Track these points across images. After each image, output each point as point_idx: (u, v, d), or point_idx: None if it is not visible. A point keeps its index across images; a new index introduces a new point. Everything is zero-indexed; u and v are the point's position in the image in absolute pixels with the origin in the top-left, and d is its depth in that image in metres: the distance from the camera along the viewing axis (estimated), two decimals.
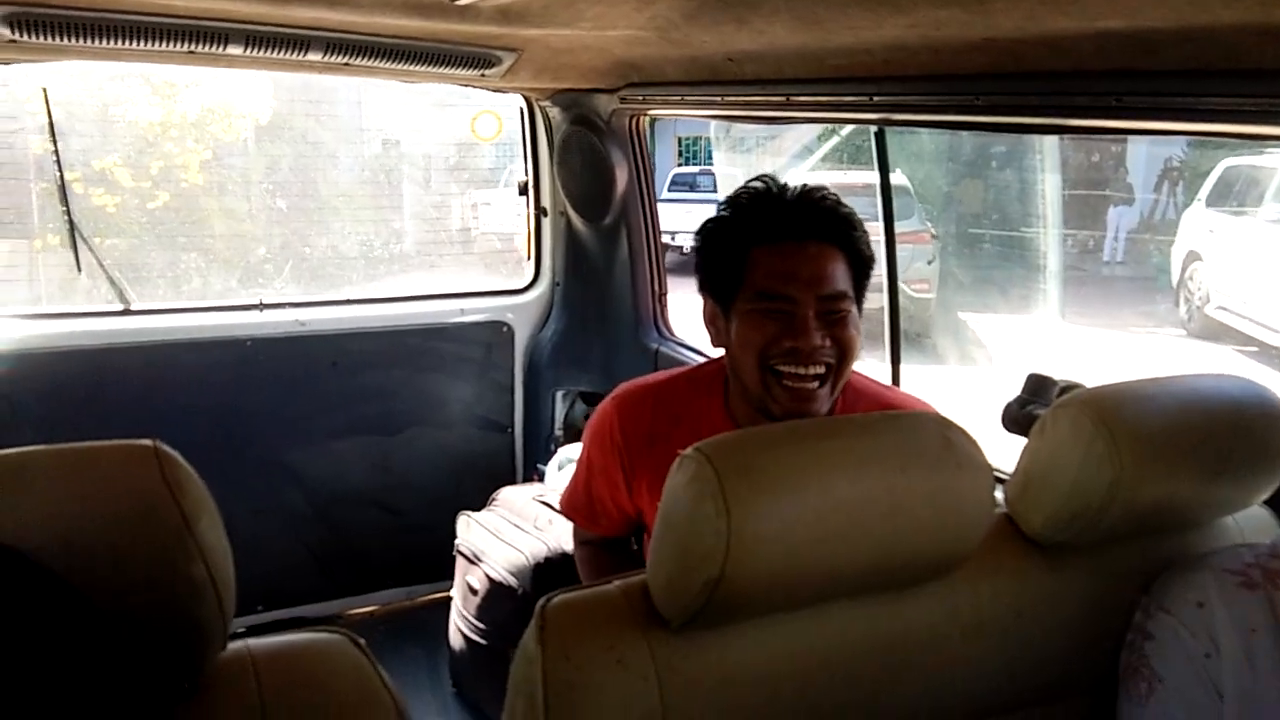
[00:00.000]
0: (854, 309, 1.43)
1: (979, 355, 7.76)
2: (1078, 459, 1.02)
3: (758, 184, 1.48)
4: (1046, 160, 8.40)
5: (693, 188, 12.84)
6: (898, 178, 8.16)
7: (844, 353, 1.41)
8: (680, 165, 14.71)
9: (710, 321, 1.52)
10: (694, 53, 2.20)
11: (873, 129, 2.04)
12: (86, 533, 0.68)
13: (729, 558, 0.79)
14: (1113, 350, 7.58)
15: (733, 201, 1.48)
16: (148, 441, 0.78)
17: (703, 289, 1.53)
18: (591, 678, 0.82)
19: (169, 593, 0.71)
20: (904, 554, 0.90)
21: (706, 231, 1.51)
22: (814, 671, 0.91)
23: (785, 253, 1.40)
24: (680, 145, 15.53)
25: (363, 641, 0.84)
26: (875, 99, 1.87)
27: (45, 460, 0.70)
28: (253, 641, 0.81)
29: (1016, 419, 1.73)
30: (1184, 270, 8.13)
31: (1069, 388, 1.74)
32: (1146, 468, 1.02)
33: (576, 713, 0.81)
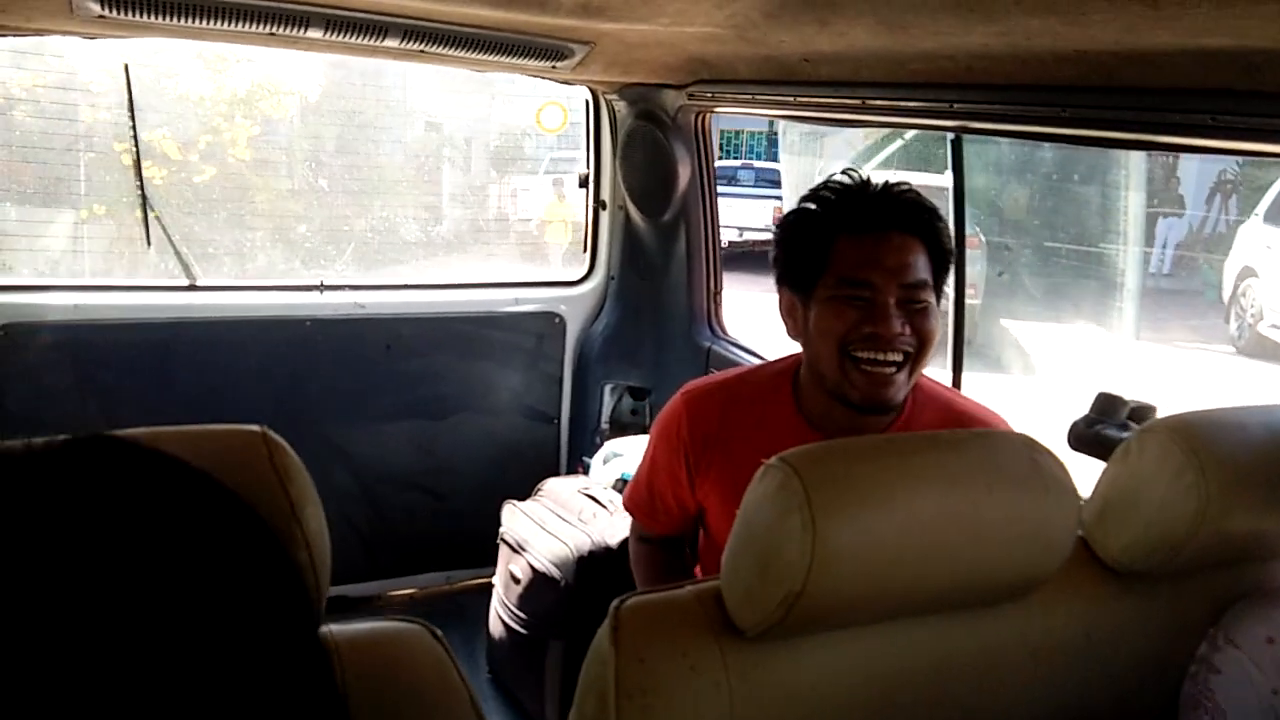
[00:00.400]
0: (933, 300, 1.46)
1: (1022, 363, 7.62)
2: (1163, 488, 0.99)
3: (843, 178, 1.51)
4: (1131, 177, 8.21)
5: (731, 181, 12.54)
6: (945, 179, 8.04)
7: (923, 342, 1.43)
8: (720, 159, 14.61)
9: (788, 313, 1.55)
10: (769, 52, 2.18)
11: (949, 136, 2.01)
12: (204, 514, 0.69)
13: (812, 572, 0.78)
14: (1160, 365, 7.42)
15: (817, 194, 1.51)
16: (256, 427, 0.78)
17: (781, 281, 1.56)
18: (663, 681, 0.82)
19: (276, 573, 0.72)
20: (984, 575, 0.88)
21: (789, 223, 1.54)
22: (884, 687, 0.90)
23: (869, 242, 1.43)
24: (721, 139, 15.57)
25: (440, 633, 0.83)
26: (955, 106, 1.84)
27: (168, 441, 0.71)
28: (335, 628, 0.81)
29: (1084, 438, 1.70)
30: (1237, 286, 7.93)
31: (1141, 408, 1.71)
32: (1234, 500, 0.99)
33: (647, 716, 0.80)
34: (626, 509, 1.89)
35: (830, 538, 0.79)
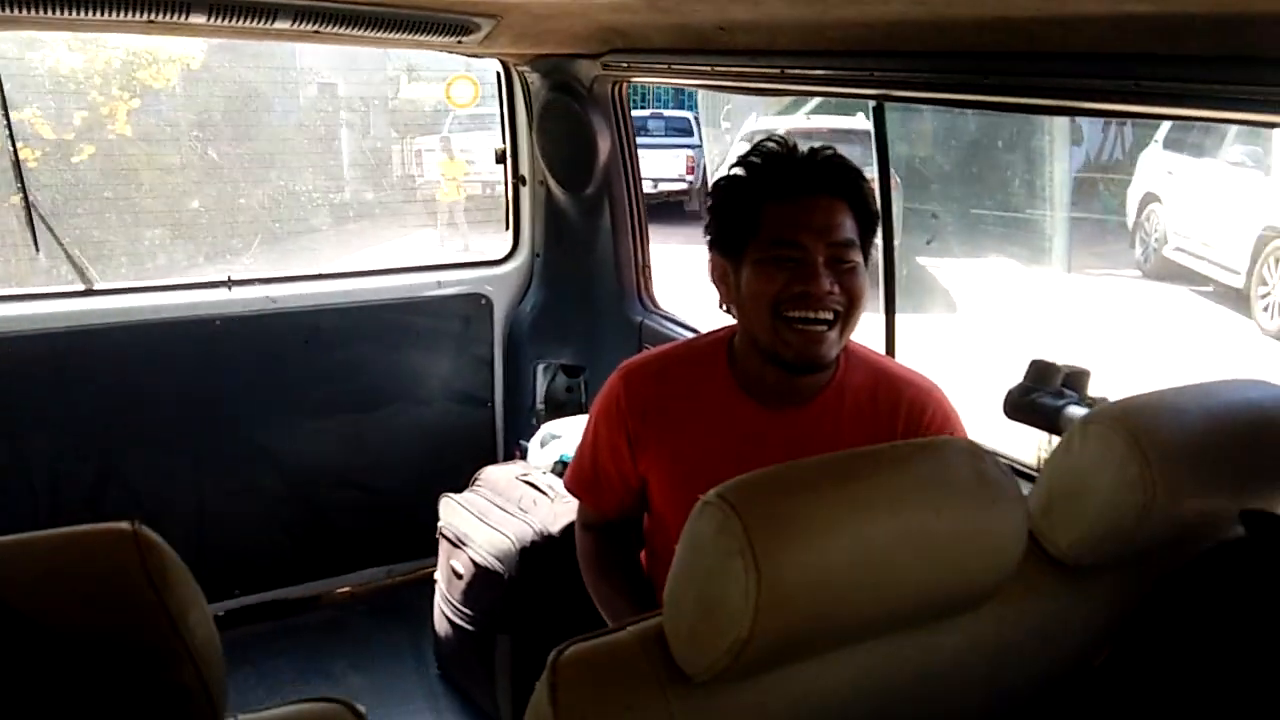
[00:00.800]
0: (861, 260, 1.49)
1: (944, 301, 7.73)
2: (1109, 481, 0.97)
3: (770, 144, 1.53)
4: (1056, 141, 8.34)
5: (642, 131, 12.57)
6: (857, 121, 8.06)
7: (852, 301, 1.47)
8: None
9: (720, 280, 1.56)
10: (684, 20, 2.10)
11: (871, 103, 1.96)
12: (61, 639, 0.61)
13: (759, 617, 0.73)
14: (1075, 293, 7.62)
15: (746, 160, 1.53)
16: (126, 525, 0.70)
17: (713, 246, 1.58)
18: None
19: (155, 702, 0.64)
20: (937, 592, 0.85)
21: (720, 189, 1.56)
22: (840, 713, 0.86)
23: (796, 205, 1.46)
24: (630, 87, 15.31)
25: (363, 709, 0.77)
26: (875, 74, 1.79)
27: (18, 556, 0.63)
28: (244, 718, 0.74)
29: (1020, 407, 1.69)
30: (1140, 212, 8.16)
31: (1075, 374, 1.70)
32: (1180, 485, 0.98)
33: None
34: (569, 490, 1.88)
35: (776, 580, 0.74)
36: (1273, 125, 1.36)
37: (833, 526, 0.78)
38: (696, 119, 12.36)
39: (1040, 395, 1.64)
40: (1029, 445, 1.78)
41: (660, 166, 10.90)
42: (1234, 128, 7.55)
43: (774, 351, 1.49)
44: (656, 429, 1.64)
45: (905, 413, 1.56)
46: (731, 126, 12.94)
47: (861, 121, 8.03)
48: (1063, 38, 1.38)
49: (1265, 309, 6.81)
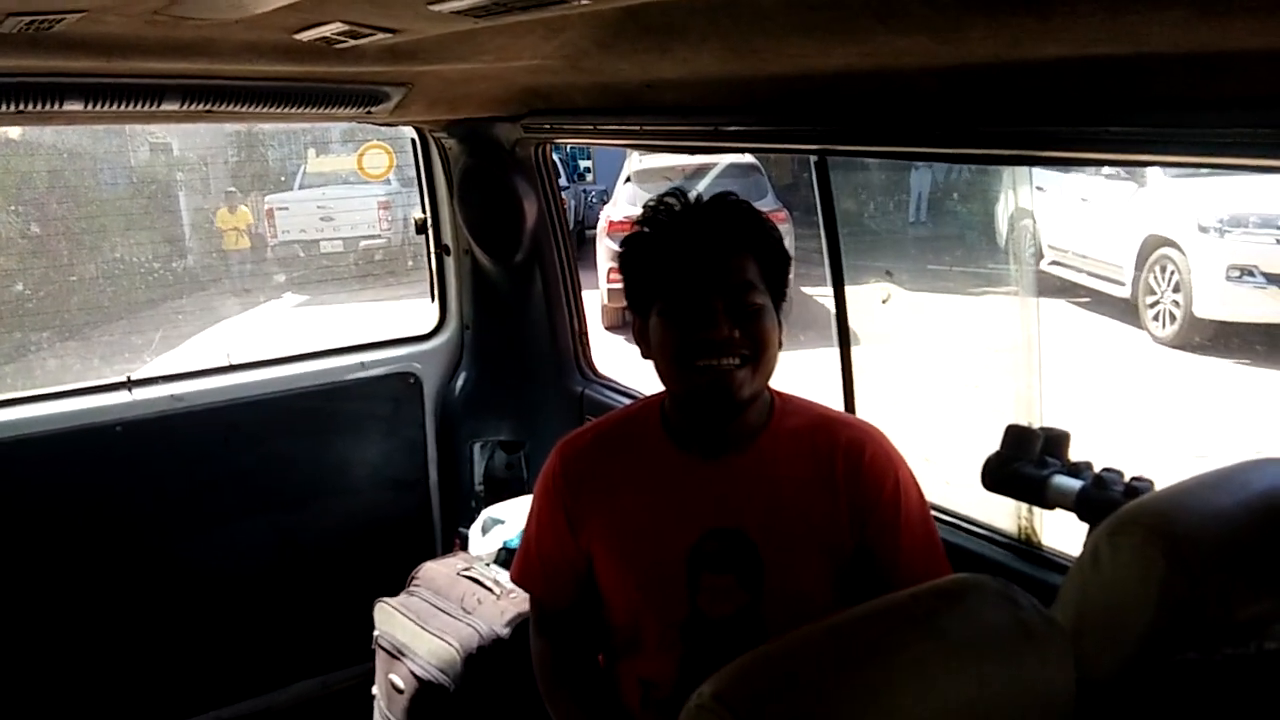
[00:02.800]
0: (768, 304, 1.47)
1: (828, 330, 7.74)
2: (1152, 600, 0.84)
3: (670, 199, 1.52)
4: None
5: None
6: (747, 155, 8.08)
7: (759, 344, 1.45)
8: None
9: (639, 337, 1.55)
10: (607, 80, 1.98)
11: (812, 158, 1.85)
12: None
13: None
14: (959, 314, 7.67)
15: (646, 217, 1.53)
16: None
17: (629, 306, 1.57)
18: None
19: None
20: None
21: (625, 249, 1.55)
22: None
23: (693, 255, 1.46)
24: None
25: None
26: (817, 128, 1.68)
27: None
28: None
29: (1000, 478, 1.56)
30: (1012, 230, 8.30)
31: (1054, 438, 1.59)
32: (1233, 594, 0.85)
33: None
34: (516, 583, 1.80)
35: None
36: (1238, 168, 1.27)
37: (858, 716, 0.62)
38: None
39: (1022, 465, 1.52)
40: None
41: (348, 218, 10.40)
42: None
43: (689, 400, 1.50)
44: (595, 498, 1.59)
45: (844, 454, 1.51)
46: (593, 165, 12.93)
47: (746, 156, 8.10)
48: (1026, 85, 1.28)
49: (1155, 317, 6.92)
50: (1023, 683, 0.69)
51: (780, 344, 1.48)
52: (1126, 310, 7.24)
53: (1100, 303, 7.50)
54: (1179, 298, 6.72)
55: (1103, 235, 7.44)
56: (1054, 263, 7.84)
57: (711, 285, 1.44)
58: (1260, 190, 6.54)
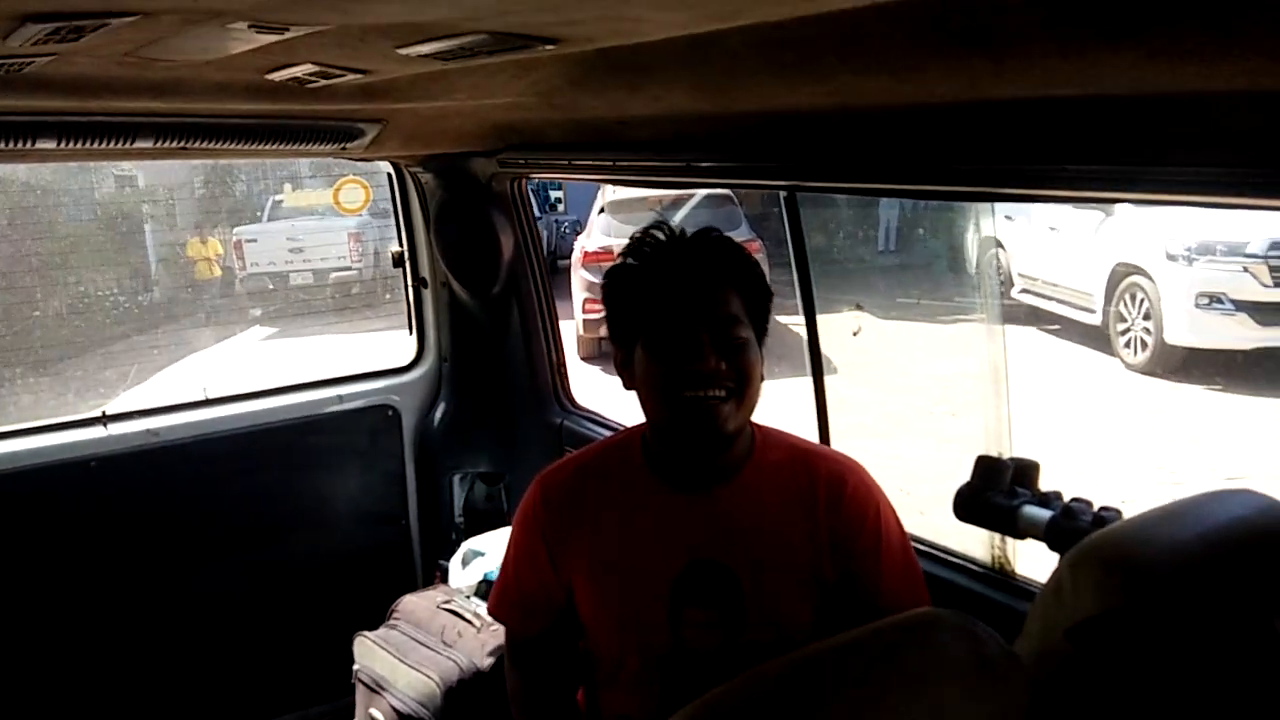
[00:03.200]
0: (751, 337, 1.48)
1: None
2: None
3: (656, 232, 1.52)
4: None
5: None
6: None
7: (744, 376, 1.45)
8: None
9: (621, 368, 1.55)
10: (580, 116, 2.00)
11: (782, 194, 1.88)
12: None
13: None
14: (929, 343, 7.73)
15: (632, 250, 1.53)
16: None
17: (611, 338, 1.57)
18: None
19: None
20: None
21: (609, 282, 1.55)
22: None
23: (681, 288, 1.47)
24: None
25: None
26: (787, 164, 1.71)
27: None
28: None
29: (972, 508, 1.57)
30: (981, 258, 8.35)
31: (1023, 467, 1.61)
32: (1189, 621, 0.86)
33: None
34: (493, 615, 1.79)
35: None
36: (1191, 204, 1.29)
37: None
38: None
39: (992, 495, 1.54)
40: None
41: (318, 250, 10.13)
42: None
43: (674, 432, 1.49)
44: (576, 530, 1.58)
45: (825, 486, 1.51)
46: (564, 195, 12.88)
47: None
48: (987, 124, 1.31)
49: (1127, 344, 6.97)
50: (978, 714, 0.70)
51: (762, 377, 1.48)
52: (1097, 337, 7.30)
53: (1070, 330, 7.57)
54: (1150, 325, 6.78)
55: (1072, 263, 7.51)
56: (1024, 290, 7.90)
57: (698, 318, 1.44)
58: (1225, 218, 6.60)
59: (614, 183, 2.58)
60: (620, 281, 1.54)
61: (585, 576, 1.58)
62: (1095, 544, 0.92)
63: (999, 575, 1.73)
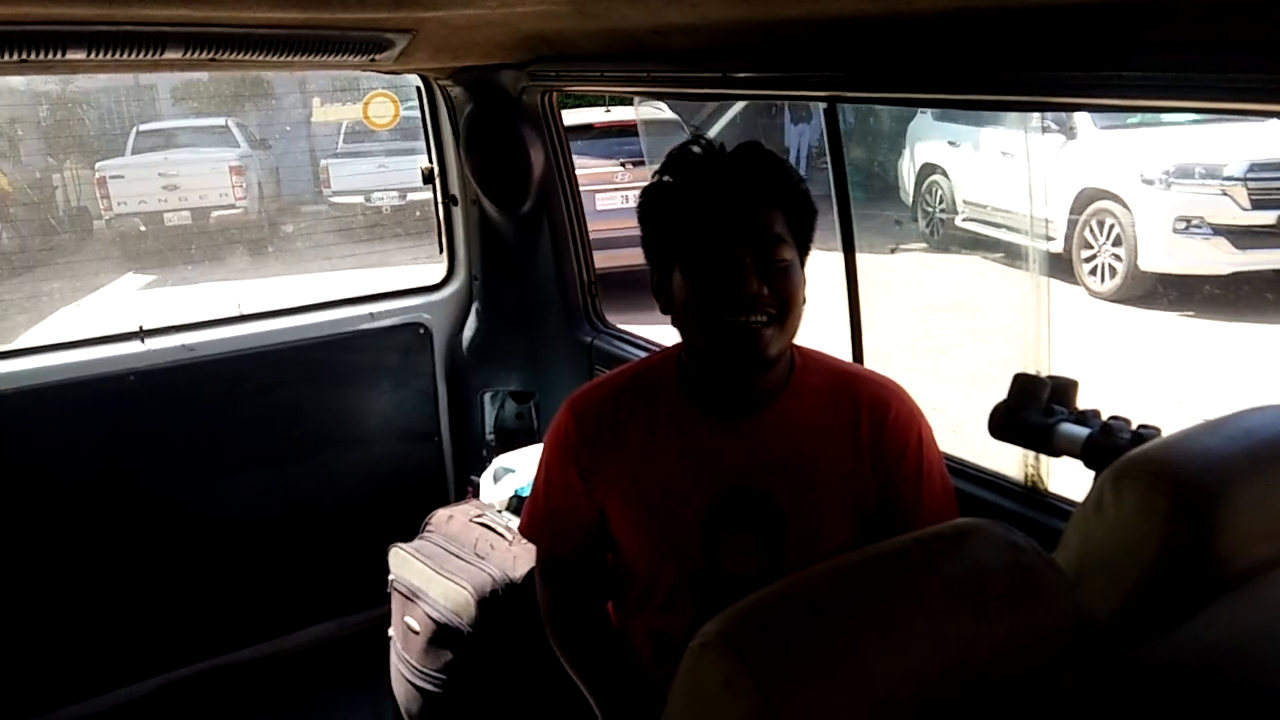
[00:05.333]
0: (795, 260, 1.42)
1: None
2: (1155, 542, 0.85)
3: (694, 147, 1.46)
4: None
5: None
6: (667, 111, 7.73)
7: (786, 301, 1.40)
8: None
9: (658, 291, 1.51)
10: (613, 25, 1.95)
11: (822, 105, 1.83)
12: None
13: None
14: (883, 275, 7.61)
15: (668, 166, 1.47)
16: None
17: (647, 259, 1.52)
18: None
19: None
20: (978, 710, 0.71)
21: (645, 200, 1.50)
22: None
23: (721, 206, 1.40)
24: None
25: None
26: (828, 75, 1.66)
27: None
28: None
29: (1007, 427, 1.57)
30: (920, 185, 8.13)
31: (1062, 385, 1.59)
32: (1241, 532, 0.86)
33: None
34: (525, 535, 1.78)
35: None
36: (1265, 114, 1.25)
37: (866, 664, 0.64)
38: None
39: (1029, 413, 1.53)
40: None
41: (196, 185, 9.14)
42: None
43: (712, 356, 1.45)
44: (609, 455, 1.55)
45: (868, 412, 1.48)
46: None
47: (666, 112, 7.70)
48: (1038, 29, 1.26)
49: (1093, 271, 6.79)
50: (1021, 623, 0.70)
51: (804, 300, 1.43)
52: (1055, 265, 7.03)
53: (1020, 257, 7.23)
54: (1120, 251, 6.60)
55: (1031, 190, 7.21)
56: (969, 219, 7.66)
57: (739, 239, 1.38)
58: (1202, 141, 6.41)
59: (648, 95, 2.52)
60: (657, 199, 1.47)
61: (619, 500, 1.56)
62: (1139, 457, 0.91)
63: (1031, 492, 1.73)
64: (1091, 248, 6.81)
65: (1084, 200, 6.85)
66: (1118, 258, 6.62)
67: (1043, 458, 1.68)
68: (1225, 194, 6.18)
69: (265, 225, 9.55)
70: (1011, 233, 7.33)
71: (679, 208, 1.43)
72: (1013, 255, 7.12)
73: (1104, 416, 1.47)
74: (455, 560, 2.42)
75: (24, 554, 2.49)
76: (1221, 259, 6.22)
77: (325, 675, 2.89)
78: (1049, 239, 7.08)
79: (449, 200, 2.94)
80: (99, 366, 2.52)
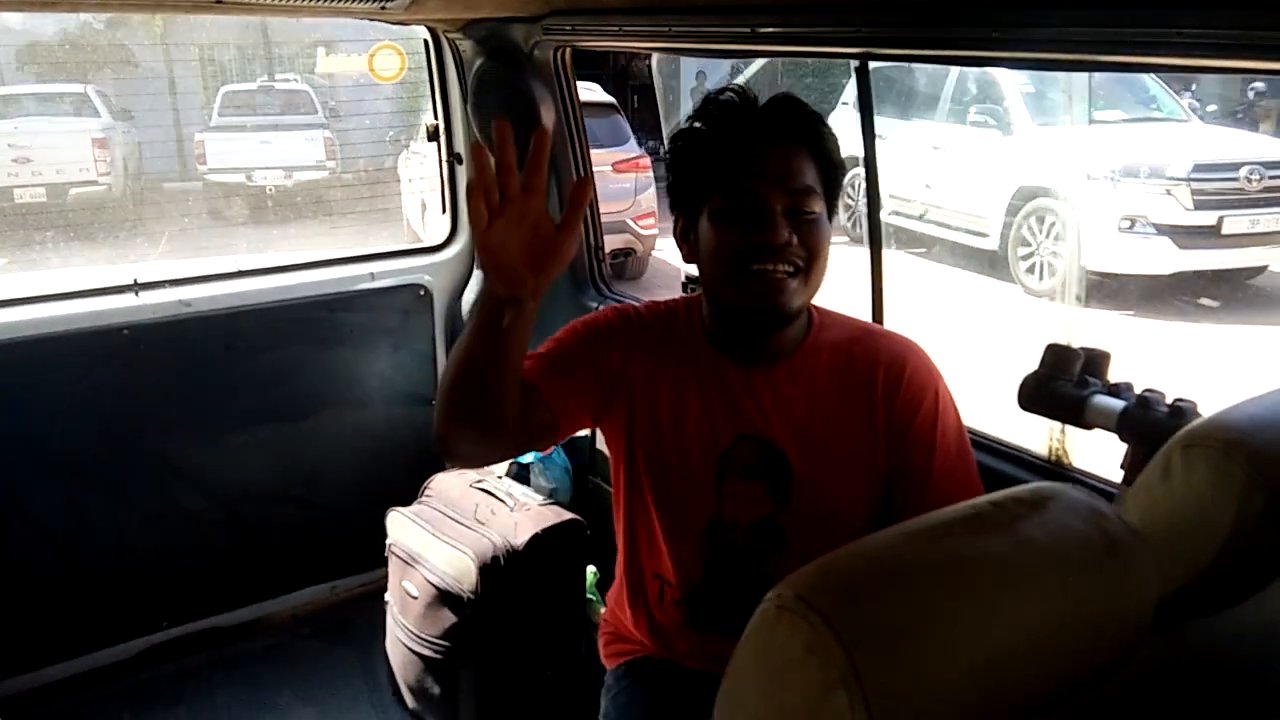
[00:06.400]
0: (823, 212, 1.41)
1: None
2: (1229, 517, 0.80)
3: (728, 94, 1.44)
4: None
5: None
6: (597, 93, 7.56)
7: (813, 253, 1.39)
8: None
9: (682, 238, 1.50)
10: None
11: (853, 63, 1.77)
12: None
13: None
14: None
15: (701, 113, 1.45)
16: None
17: (674, 205, 1.51)
18: None
19: None
20: (1062, 679, 0.67)
21: (676, 145, 1.48)
22: None
23: (753, 153, 1.40)
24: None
25: None
26: (862, 30, 1.60)
27: None
28: None
29: (1038, 398, 1.53)
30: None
31: (1095, 357, 1.55)
32: None
33: None
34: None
35: (889, 709, 0.55)
36: None
37: (949, 631, 0.59)
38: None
39: (1061, 384, 1.49)
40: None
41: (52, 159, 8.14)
42: (948, 87, 7.46)
43: (733, 303, 1.44)
44: (640, 367, 1.50)
45: (884, 369, 1.46)
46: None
47: (600, 94, 7.56)
48: None
49: (1030, 269, 6.74)
50: (1105, 594, 0.66)
51: (829, 255, 1.41)
52: (983, 260, 7.01)
53: (948, 252, 7.20)
54: (1059, 249, 6.55)
55: (962, 184, 7.20)
56: (895, 212, 7.57)
57: (770, 187, 1.37)
58: (1141, 139, 6.42)
59: (668, 50, 2.45)
60: (687, 145, 1.45)
61: (640, 425, 1.50)
62: (1209, 425, 0.86)
63: (1056, 467, 1.69)
64: (1029, 245, 6.76)
65: (1022, 197, 6.80)
66: (1056, 255, 6.60)
67: (1069, 431, 1.65)
68: (1169, 194, 6.19)
69: (131, 204, 8.68)
70: (943, 228, 7.27)
71: (711, 154, 1.42)
72: (935, 250, 7.04)
73: (1137, 390, 1.43)
74: (455, 525, 2.38)
75: (12, 507, 2.43)
76: (1164, 259, 6.23)
77: (317, 640, 2.84)
78: (979, 235, 7.04)
79: (454, 159, 2.87)
80: (93, 319, 2.45)
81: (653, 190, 7.42)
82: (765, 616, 0.60)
